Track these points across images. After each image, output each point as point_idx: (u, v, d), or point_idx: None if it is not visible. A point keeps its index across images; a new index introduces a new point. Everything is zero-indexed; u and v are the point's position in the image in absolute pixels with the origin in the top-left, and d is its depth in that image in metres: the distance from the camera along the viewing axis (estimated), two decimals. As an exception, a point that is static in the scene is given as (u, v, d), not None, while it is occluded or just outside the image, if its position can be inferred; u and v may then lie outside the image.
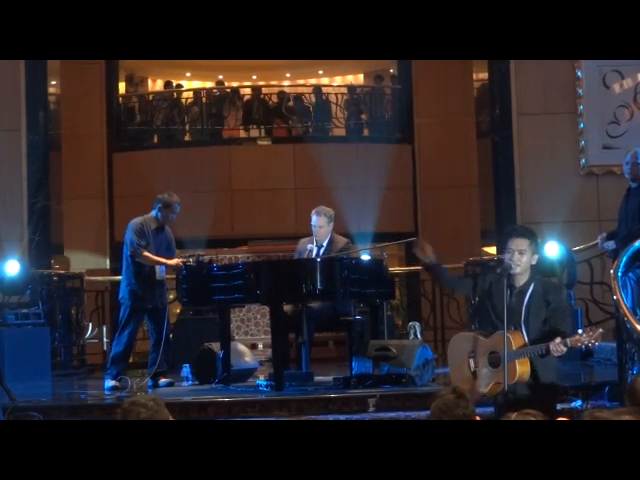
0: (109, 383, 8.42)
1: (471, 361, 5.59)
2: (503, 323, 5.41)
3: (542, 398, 5.36)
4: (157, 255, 8.47)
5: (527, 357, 5.38)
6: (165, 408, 3.70)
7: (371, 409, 5.64)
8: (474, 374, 5.57)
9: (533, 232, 5.68)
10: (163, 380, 8.51)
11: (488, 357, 5.50)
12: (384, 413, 6.93)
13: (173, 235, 8.76)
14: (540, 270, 8.69)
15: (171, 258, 8.53)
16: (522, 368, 5.39)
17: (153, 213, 8.57)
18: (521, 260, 5.46)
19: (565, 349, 5.24)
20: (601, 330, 5.19)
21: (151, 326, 8.65)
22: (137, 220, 8.59)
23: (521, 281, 5.52)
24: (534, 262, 5.53)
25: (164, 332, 8.45)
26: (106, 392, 8.27)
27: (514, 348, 5.38)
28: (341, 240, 8.44)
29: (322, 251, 8.27)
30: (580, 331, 5.21)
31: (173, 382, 8.60)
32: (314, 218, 8.31)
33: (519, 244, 5.48)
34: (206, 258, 8.57)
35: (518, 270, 5.48)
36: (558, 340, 5.23)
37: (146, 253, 8.41)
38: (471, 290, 5.82)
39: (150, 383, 8.46)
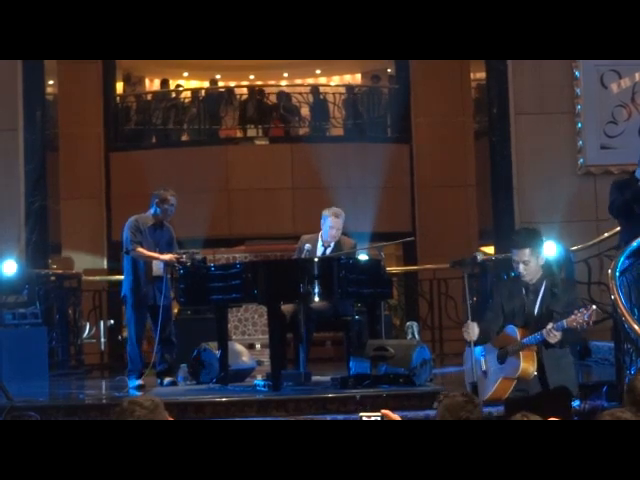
0: (134, 382, 8.47)
1: (482, 361, 5.63)
2: (512, 321, 5.48)
3: (553, 398, 5.36)
4: (157, 252, 8.50)
5: (531, 348, 5.40)
6: (163, 409, 3.69)
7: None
8: (485, 373, 5.60)
9: (533, 236, 5.72)
10: (167, 379, 8.51)
11: (497, 353, 5.54)
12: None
13: (174, 234, 8.77)
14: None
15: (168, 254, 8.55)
16: (526, 363, 5.41)
17: (151, 210, 8.61)
18: (527, 269, 5.55)
19: (558, 333, 5.26)
20: (594, 307, 5.22)
21: (152, 324, 8.70)
22: (133, 217, 8.67)
23: (534, 279, 5.59)
24: (542, 262, 5.60)
25: (167, 330, 8.50)
26: (131, 391, 8.29)
27: (519, 340, 5.43)
28: (349, 242, 8.43)
29: (329, 251, 8.27)
30: (575, 311, 5.24)
31: (176, 381, 8.59)
32: (332, 220, 8.25)
33: (521, 256, 5.56)
34: (199, 256, 8.57)
35: (527, 278, 5.56)
36: (550, 326, 5.28)
37: (140, 249, 8.45)
38: (500, 310, 5.76)
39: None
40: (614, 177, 10.69)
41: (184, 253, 8.48)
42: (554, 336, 5.28)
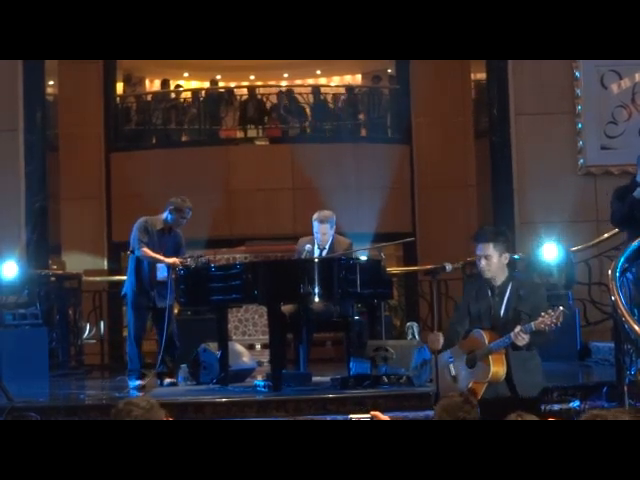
0: (134, 382, 8.50)
1: (451, 366, 5.63)
2: (479, 323, 5.49)
3: (523, 399, 5.36)
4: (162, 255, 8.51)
5: (499, 352, 5.40)
6: (159, 409, 3.70)
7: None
8: (454, 378, 5.60)
9: (497, 233, 5.73)
10: (167, 380, 8.52)
11: (465, 358, 5.54)
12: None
13: (183, 240, 8.77)
14: (538, 272, 8.74)
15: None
16: (496, 367, 5.41)
17: (163, 215, 8.62)
18: (489, 264, 5.54)
19: (527, 335, 5.28)
20: (561, 309, 5.23)
21: (154, 326, 8.73)
22: (143, 218, 8.70)
23: (499, 281, 5.57)
24: (506, 261, 5.58)
25: (166, 332, 8.49)
26: (132, 391, 8.34)
27: (487, 344, 5.43)
28: (343, 242, 8.44)
29: (324, 253, 8.27)
30: (542, 313, 5.25)
31: (176, 382, 8.59)
32: (316, 226, 8.28)
33: (483, 249, 5.56)
34: (204, 259, 8.59)
35: (489, 275, 5.54)
36: (518, 329, 5.29)
37: (145, 249, 8.47)
38: (466, 311, 5.77)
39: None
40: (614, 178, 10.72)
41: (189, 257, 8.50)
42: (522, 339, 5.29)
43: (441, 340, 5.64)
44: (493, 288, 5.57)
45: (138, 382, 8.47)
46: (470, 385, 5.47)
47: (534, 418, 3.59)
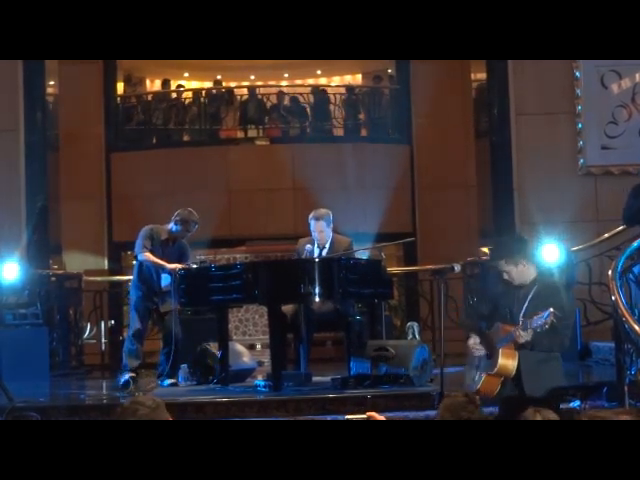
0: (123, 377, 8.54)
1: (479, 355, 5.71)
2: (501, 319, 5.55)
3: (539, 399, 5.37)
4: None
5: (511, 346, 5.42)
6: (165, 410, 3.70)
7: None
8: (477, 367, 5.68)
9: (505, 247, 5.76)
10: (168, 380, 8.54)
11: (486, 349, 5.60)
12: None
13: (189, 251, 8.80)
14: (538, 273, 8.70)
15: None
16: (504, 360, 5.45)
17: (169, 225, 8.68)
18: (511, 277, 5.65)
19: (525, 333, 5.32)
20: (551, 310, 5.25)
21: (157, 328, 8.78)
22: (149, 226, 8.80)
23: (527, 281, 5.62)
24: (525, 267, 5.60)
25: (169, 335, 8.52)
26: (120, 386, 8.40)
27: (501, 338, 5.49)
28: (343, 240, 8.44)
29: (325, 252, 8.28)
30: (539, 312, 5.28)
31: (176, 382, 8.60)
32: (313, 224, 8.29)
33: (500, 266, 5.66)
34: (206, 265, 8.64)
35: (516, 283, 5.63)
36: (519, 325, 5.33)
37: (147, 253, 8.57)
38: (490, 301, 5.83)
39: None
40: (615, 177, 10.73)
41: (193, 263, 8.55)
42: (520, 336, 5.35)
43: (478, 339, 5.67)
44: (519, 288, 5.62)
45: (125, 378, 8.49)
46: (483, 377, 5.51)
47: (552, 413, 3.58)
